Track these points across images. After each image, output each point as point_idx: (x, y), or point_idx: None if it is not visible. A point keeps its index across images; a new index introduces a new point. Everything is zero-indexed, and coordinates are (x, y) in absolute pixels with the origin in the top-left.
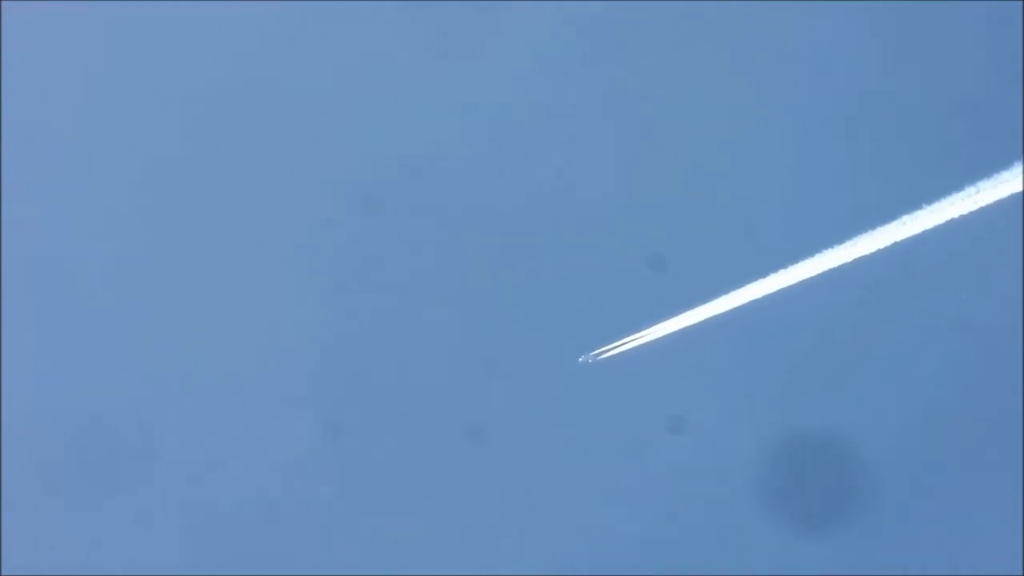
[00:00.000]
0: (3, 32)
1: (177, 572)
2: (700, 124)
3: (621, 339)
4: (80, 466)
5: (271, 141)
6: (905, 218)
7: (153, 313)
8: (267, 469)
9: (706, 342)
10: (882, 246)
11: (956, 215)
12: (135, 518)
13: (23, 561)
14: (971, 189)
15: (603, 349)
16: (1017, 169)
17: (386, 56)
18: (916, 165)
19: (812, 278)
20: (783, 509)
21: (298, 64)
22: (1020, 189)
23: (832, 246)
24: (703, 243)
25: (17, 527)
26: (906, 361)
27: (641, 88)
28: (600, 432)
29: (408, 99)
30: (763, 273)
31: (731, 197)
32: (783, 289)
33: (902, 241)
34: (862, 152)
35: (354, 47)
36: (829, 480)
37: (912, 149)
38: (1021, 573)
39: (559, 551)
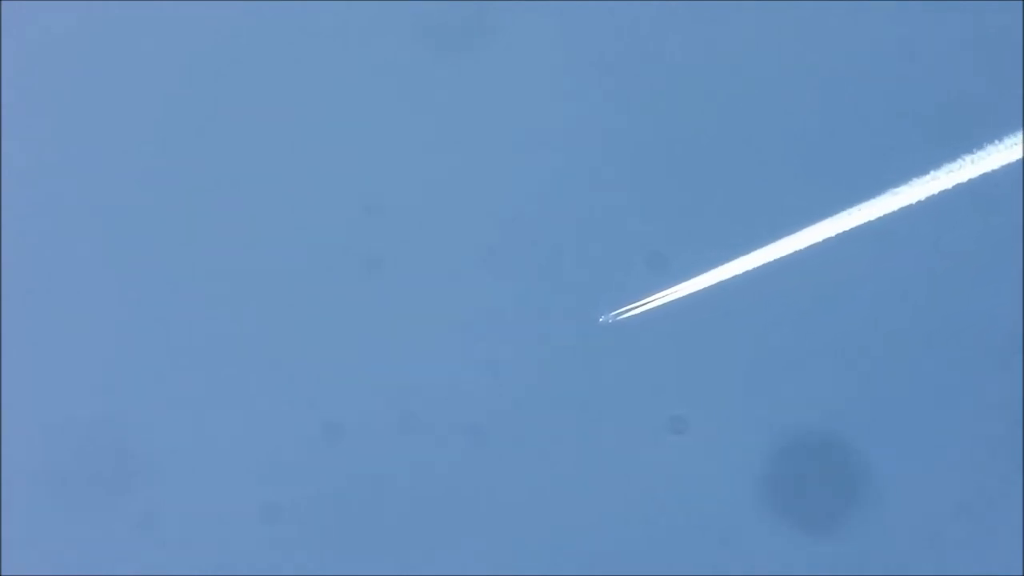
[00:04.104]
0: (3, 32)
1: (177, 572)
2: (700, 120)
3: (638, 301)
4: (80, 466)
5: (271, 141)
6: (899, 194)
7: (153, 314)
8: (267, 469)
9: (707, 341)
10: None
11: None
12: (135, 518)
13: (23, 562)
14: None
15: (622, 309)
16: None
17: (386, 56)
18: (913, 171)
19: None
20: (784, 509)
21: (297, 64)
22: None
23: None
24: (704, 236)
25: (17, 528)
26: (908, 360)
27: (641, 87)
28: (600, 432)
29: (407, 99)
30: (765, 242)
31: (730, 186)
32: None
33: (902, 239)
34: (862, 153)
35: (354, 47)
36: (830, 480)
37: (909, 161)
38: (1021, 573)
39: (559, 551)
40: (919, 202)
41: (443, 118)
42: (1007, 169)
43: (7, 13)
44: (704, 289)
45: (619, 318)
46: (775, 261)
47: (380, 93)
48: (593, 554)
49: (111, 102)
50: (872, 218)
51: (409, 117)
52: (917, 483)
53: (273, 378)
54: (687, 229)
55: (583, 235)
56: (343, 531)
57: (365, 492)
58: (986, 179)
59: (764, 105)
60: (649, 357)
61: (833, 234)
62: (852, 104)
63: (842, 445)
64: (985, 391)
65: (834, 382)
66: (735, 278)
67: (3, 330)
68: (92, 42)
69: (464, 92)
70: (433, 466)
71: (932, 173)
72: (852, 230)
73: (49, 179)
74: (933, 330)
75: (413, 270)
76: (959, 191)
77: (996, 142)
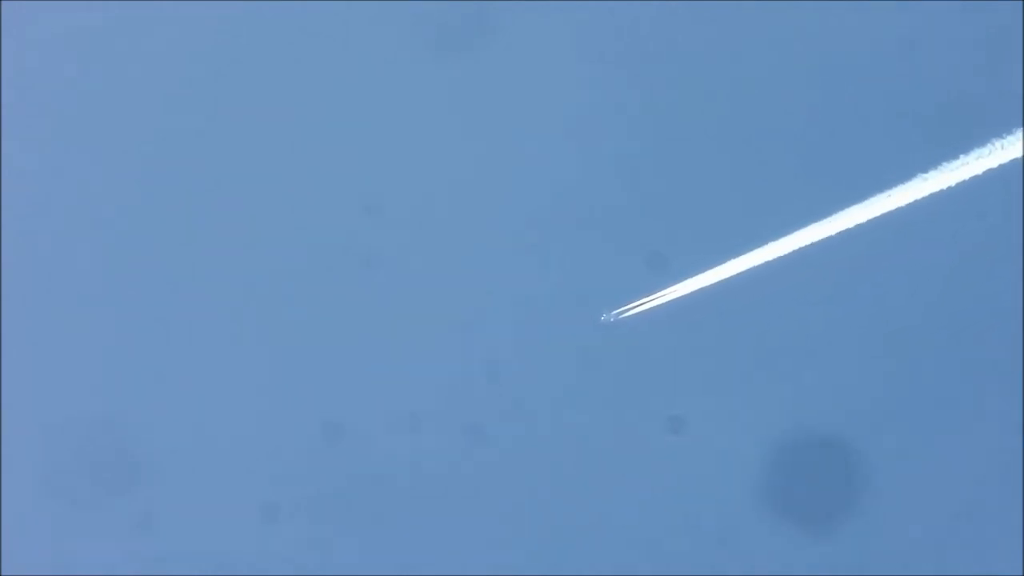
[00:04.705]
0: (3, 32)
1: (177, 572)
2: (700, 120)
3: (639, 300)
4: (80, 466)
5: (271, 141)
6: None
7: (153, 314)
8: (267, 469)
9: (706, 341)
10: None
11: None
12: (135, 518)
13: (23, 561)
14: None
15: (623, 309)
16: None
17: (386, 56)
18: (913, 170)
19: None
20: (784, 509)
21: (298, 64)
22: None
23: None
24: (704, 236)
25: (17, 528)
26: (908, 360)
27: (641, 87)
28: (600, 432)
29: (407, 98)
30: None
31: (730, 187)
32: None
33: (902, 239)
34: (862, 151)
35: (354, 47)
36: (830, 480)
37: (909, 156)
38: (1021, 573)
39: (559, 551)
40: (917, 202)
41: (443, 118)
42: (1007, 169)
43: (7, 13)
44: (704, 288)
45: (620, 317)
46: (774, 261)
47: (380, 93)
48: (593, 554)
49: (111, 102)
50: (871, 217)
51: (409, 117)
52: (917, 484)
53: (273, 378)
54: (687, 229)
55: (583, 235)
56: (343, 531)
57: (365, 492)
58: (986, 179)
59: (764, 104)
60: (649, 357)
61: (832, 234)
62: (852, 104)
63: (842, 445)
64: (985, 391)
65: (834, 382)
66: (735, 277)
67: (3, 330)
68: (92, 42)
69: (464, 92)
70: (433, 466)
71: (931, 173)
72: (852, 230)
73: (49, 179)
74: (933, 330)
75: (413, 270)
76: (958, 191)
77: (996, 141)
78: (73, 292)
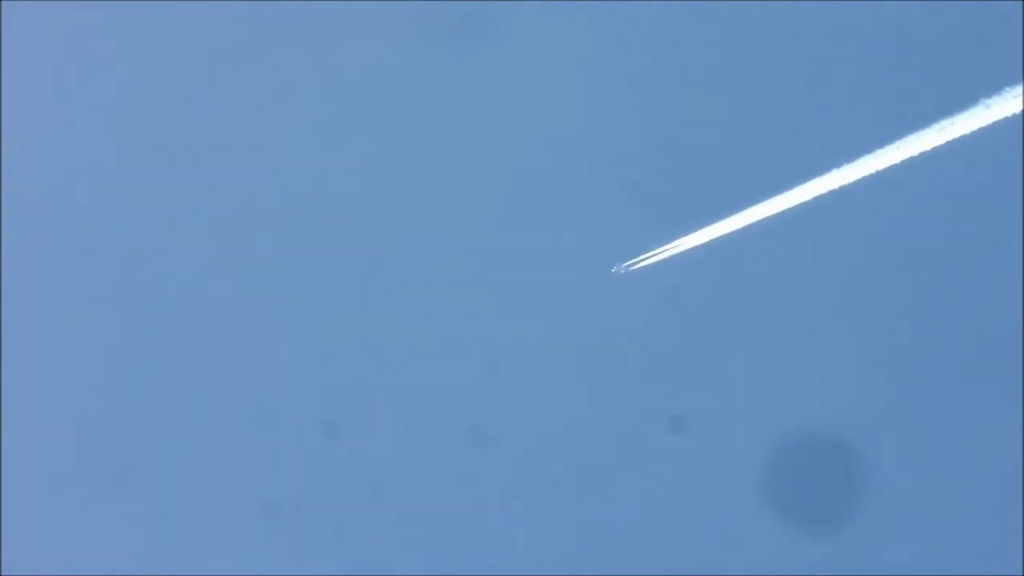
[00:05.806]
0: (3, 32)
1: (177, 572)
2: (700, 120)
3: (649, 252)
4: (80, 466)
5: (271, 141)
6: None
7: (152, 314)
8: (267, 468)
9: (707, 341)
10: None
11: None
12: (135, 518)
13: (23, 561)
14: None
15: (634, 260)
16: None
17: (386, 56)
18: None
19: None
20: (784, 509)
21: (298, 64)
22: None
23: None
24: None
25: (17, 528)
26: (908, 359)
27: (642, 87)
28: (600, 432)
29: (407, 98)
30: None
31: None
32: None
33: (902, 238)
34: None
35: (354, 47)
36: (830, 480)
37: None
38: (1021, 573)
39: (559, 551)
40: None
41: (443, 118)
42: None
43: (7, 13)
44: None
45: (631, 269)
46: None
47: (380, 93)
48: (593, 554)
49: (111, 102)
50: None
51: (409, 116)
52: (917, 484)
53: (273, 378)
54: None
55: (583, 235)
56: (343, 531)
57: (365, 492)
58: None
59: (764, 103)
60: (649, 357)
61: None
62: (852, 104)
63: (842, 445)
64: (985, 390)
65: (834, 382)
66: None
67: (3, 330)
68: (92, 42)
69: (464, 92)
70: (433, 466)
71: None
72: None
73: (49, 179)
74: (933, 330)
75: (412, 269)
76: (959, 192)
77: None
78: (73, 292)
